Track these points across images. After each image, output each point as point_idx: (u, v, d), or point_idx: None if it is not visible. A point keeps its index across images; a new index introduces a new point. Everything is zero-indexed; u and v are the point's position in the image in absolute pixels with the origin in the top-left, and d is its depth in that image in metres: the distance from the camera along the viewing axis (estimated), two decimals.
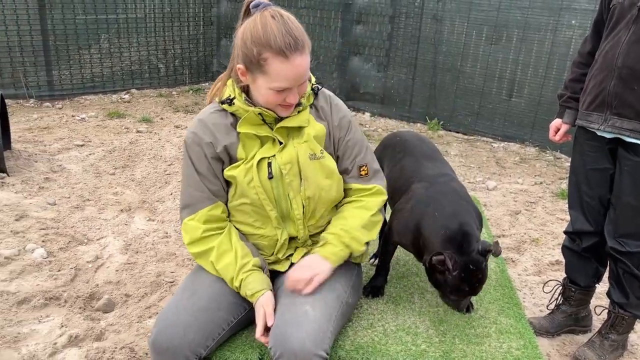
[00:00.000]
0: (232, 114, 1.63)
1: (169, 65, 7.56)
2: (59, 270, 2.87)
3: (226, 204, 1.68)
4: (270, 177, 1.60)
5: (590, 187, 2.23)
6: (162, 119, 6.00)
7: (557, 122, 2.37)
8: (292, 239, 1.71)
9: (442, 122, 6.07)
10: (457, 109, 6.00)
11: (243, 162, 1.61)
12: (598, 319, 2.49)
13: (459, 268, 1.59)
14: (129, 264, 2.99)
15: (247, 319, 1.63)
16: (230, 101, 1.61)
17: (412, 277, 2.00)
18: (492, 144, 5.67)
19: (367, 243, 1.68)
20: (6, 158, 4.23)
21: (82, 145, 4.89)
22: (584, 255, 2.32)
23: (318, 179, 1.63)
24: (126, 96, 6.90)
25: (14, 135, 4.89)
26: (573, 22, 5.12)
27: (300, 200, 1.63)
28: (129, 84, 7.16)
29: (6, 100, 6.15)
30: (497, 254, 1.64)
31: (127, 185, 4.08)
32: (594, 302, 2.53)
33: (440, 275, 1.63)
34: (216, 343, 1.55)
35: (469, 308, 1.78)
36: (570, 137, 2.38)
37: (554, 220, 3.81)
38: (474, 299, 1.83)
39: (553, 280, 2.59)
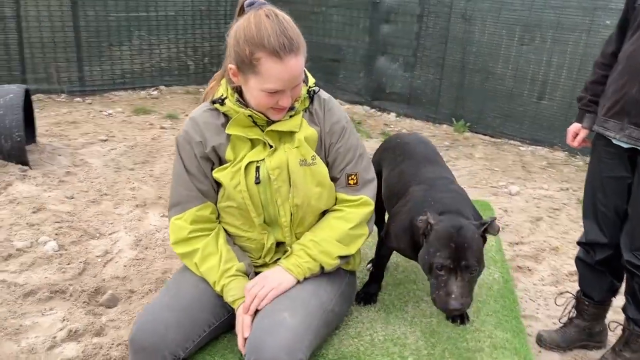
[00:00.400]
0: (225, 114, 1.59)
1: (199, 63, 7.62)
2: (68, 264, 2.90)
3: (216, 205, 1.65)
4: (257, 182, 1.55)
5: (605, 196, 2.11)
6: (187, 115, 6.02)
7: (575, 126, 2.25)
8: (280, 243, 1.66)
9: (469, 123, 5.92)
10: (485, 110, 5.84)
11: (231, 165, 1.57)
12: (614, 335, 2.36)
13: (440, 228, 1.51)
14: (137, 259, 3.00)
15: (229, 321, 1.59)
16: (222, 101, 1.57)
17: (409, 284, 1.93)
18: (520, 147, 5.50)
19: (344, 257, 1.61)
20: (31, 151, 4.32)
21: (105, 140, 4.96)
22: (598, 268, 2.20)
23: (308, 186, 1.57)
24: (154, 92, 6.99)
25: (41, 129, 5.00)
26: (608, 22, 4.90)
27: (288, 207, 1.58)
28: (157, 81, 7.24)
29: (39, 95, 6.34)
30: (493, 230, 1.54)
31: (145, 181, 4.11)
32: (612, 316, 2.40)
33: (424, 239, 1.55)
34: (196, 345, 1.51)
35: (463, 319, 1.69)
36: (589, 142, 2.25)
37: (577, 228, 3.64)
38: (470, 310, 1.75)
39: (566, 292, 2.47)
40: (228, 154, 1.57)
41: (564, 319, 2.41)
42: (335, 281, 1.64)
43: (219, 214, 1.66)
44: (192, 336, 1.49)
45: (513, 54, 5.55)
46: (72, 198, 3.71)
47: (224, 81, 1.60)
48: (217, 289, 1.55)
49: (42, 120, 5.44)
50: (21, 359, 2.16)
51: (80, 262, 2.92)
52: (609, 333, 2.39)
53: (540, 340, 2.39)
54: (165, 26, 7.12)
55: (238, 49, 1.44)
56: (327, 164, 1.64)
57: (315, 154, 1.59)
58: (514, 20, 5.47)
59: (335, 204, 1.66)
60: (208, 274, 1.56)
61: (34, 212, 3.44)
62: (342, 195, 1.64)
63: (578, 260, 2.30)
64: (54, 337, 2.30)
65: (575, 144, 2.27)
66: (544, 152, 5.33)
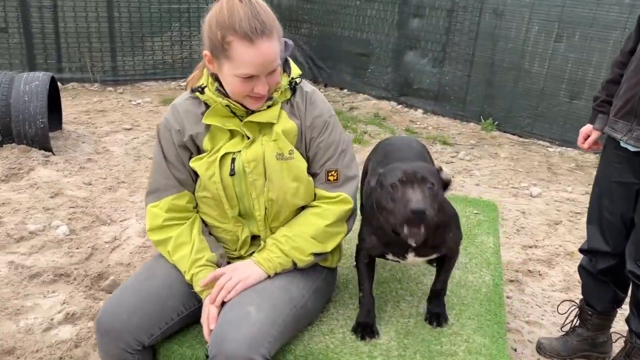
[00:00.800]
0: (206, 103, 1.58)
1: None
2: (77, 248, 2.97)
3: (194, 194, 1.64)
4: (232, 174, 1.54)
5: (612, 202, 2.00)
6: None
7: (587, 127, 2.15)
8: (256, 236, 1.64)
9: (496, 122, 5.76)
10: (514, 109, 5.67)
11: (207, 155, 1.56)
12: (618, 346, 2.25)
13: (389, 167, 1.47)
14: (143, 247, 3.04)
15: (199, 311, 1.58)
16: (201, 89, 1.56)
17: (393, 283, 1.88)
18: (548, 148, 5.32)
19: (320, 254, 1.58)
20: (56, 138, 4.45)
21: (129, 129, 5.06)
22: (600, 278, 2.10)
23: (284, 181, 1.54)
24: (184, 84, 7.07)
25: (69, 117, 5.15)
26: None
27: (263, 201, 1.56)
28: (188, 72, 7.27)
29: (73, 84, 6.53)
30: (446, 180, 1.50)
31: None
32: (619, 326, 2.29)
33: (377, 190, 1.49)
34: (162, 333, 1.51)
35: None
36: (601, 145, 2.15)
37: None
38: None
39: (568, 300, 2.37)
40: (206, 144, 1.56)
41: (567, 328, 2.32)
42: (310, 277, 1.61)
43: (197, 204, 1.65)
44: (158, 323, 1.49)
45: (544, 51, 5.36)
46: (90, 184, 3.80)
47: (206, 70, 1.59)
48: (187, 277, 1.54)
49: (73, 108, 5.59)
50: (17, 338, 2.22)
51: (89, 247, 2.98)
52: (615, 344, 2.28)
53: (540, 348, 2.30)
54: (196, 18, 7.19)
55: (210, 34, 1.43)
56: (308, 159, 1.61)
57: (293, 148, 1.56)
58: (546, 16, 5.28)
59: (314, 200, 1.63)
60: (179, 263, 1.56)
61: (51, 197, 3.54)
62: (320, 192, 1.61)
63: (581, 268, 2.20)
64: (52, 319, 2.36)
65: (586, 146, 2.16)
66: (574, 153, 5.14)
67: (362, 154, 4.92)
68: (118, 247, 3.03)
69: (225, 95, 1.52)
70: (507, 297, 2.72)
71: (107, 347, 1.48)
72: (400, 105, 6.59)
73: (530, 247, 3.28)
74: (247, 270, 1.51)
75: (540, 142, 5.46)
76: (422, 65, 6.35)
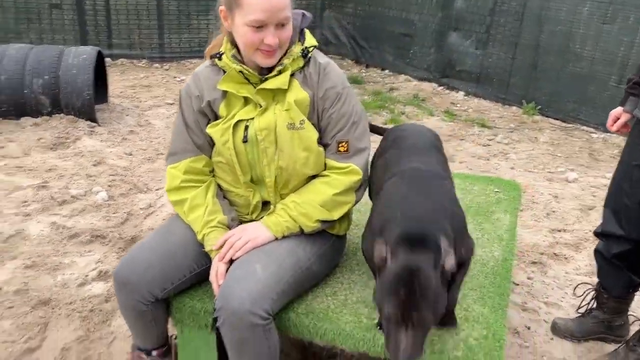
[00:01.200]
0: (224, 71, 1.65)
1: None
2: (114, 213, 3.14)
3: (211, 159, 1.72)
4: (245, 141, 1.60)
5: (631, 186, 1.97)
6: None
7: (617, 110, 2.10)
8: (267, 202, 1.71)
9: (539, 106, 5.62)
10: (558, 93, 5.51)
11: (222, 121, 1.63)
12: (635, 328, 2.22)
13: (392, 269, 1.27)
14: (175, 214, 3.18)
15: (210, 270, 1.67)
16: (219, 56, 1.63)
17: None
18: (592, 134, 5.16)
19: (326, 222, 1.63)
20: (102, 110, 4.67)
21: (171, 104, 5.23)
22: (615, 262, 2.07)
23: (294, 150, 1.59)
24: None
25: (116, 91, 5.36)
26: None
27: (273, 169, 1.61)
28: None
29: (122, 60, 6.77)
30: (447, 265, 1.28)
31: None
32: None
33: (378, 274, 1.34)
34: (175, 288, 1.61)
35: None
36: (630, 128, 2.10)
37: None
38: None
39: (584, 283, 2.34)
40: (221, 110, 1.63)
41: (583, 309, 2.30)
42: (317, 242, 1.66)
43: (213, 168, 1.74)
44: (171, 278, 1.59)
45: (593, 34, 5.17)
46: (130, 155, 3.98)
47: (225, 38, 1.66)
48: (199, 237, 1.63)
49: (120, 83, 5.82)
50: (54, 291, 2.39)
51: (125, 212, 3.15)
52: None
53: (555, 328, 2.30)
54: None
55: None
56: (320, 130, 1.66)
57: (305, 118, 1.61)
58: None
59: (325, 170, 1.68)
60: (193, 223, 1.66)
61: (94, 165, 3.73)
62: (331, 162, 1.65)
63: (596, 251, 2.18)
64: (86, 276, 2.52)
65: (614, 128, 2.12)
66: (618, 140, 4.96)
67: None
68: (152, 214, 3.18)
69: (241, 62, 1.59)
70: (528, 278, 2.71)
71: (124, 299, 1.59)
72: (442, 87, 6.51)
73: (559, 230, 3.24)
74: (256, 231, 1.59)
75: (584, 127, 5.30)
76: (466, 46, 6.25)
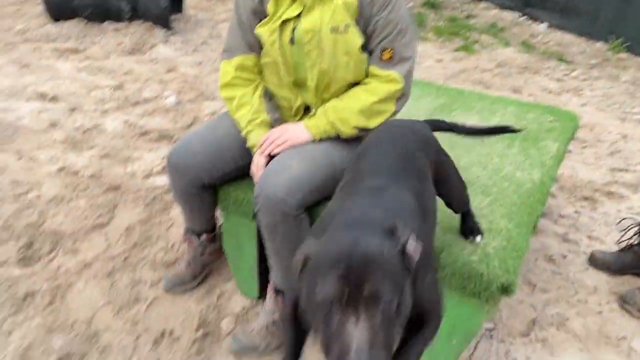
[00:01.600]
0: None
1: None
2: (181, 116, 3.35)
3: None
4: (292, 42, 1.67)
5: None
6: None
7: None
8: (308, 108, 1.80)
9: (628, 43, 5.25)
10: None
11: (270, 21, 1.69)
12: None
13: (321, 250, 0.91)
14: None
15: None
16: None
17: None
18: None
19: (363, 130, 1.67)
20: (177, 20, 4.83)
21: None
22: None
23: (336, 54, 1.63)
24: None
25: (191, 2, 5.49)
26: None
27: (315, 72, 1.67)
28: None
29: None
30: (410, 251, 0.92)
31: None
32: None
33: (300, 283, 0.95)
34: (220, 177, 1.77)
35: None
36: None
37: None
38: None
39: (628, 218, 2.31)
40: (270, 6, 1.67)
41: (623, 244, 2.29)
42: (353, 147, 1.73)
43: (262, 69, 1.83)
44: (217, 166, 1.74)
45: None
46: (200, 64, 4.15)
47: None
48: (243, 134, 1.76)
49: None
50: (123, 180, 2.65)
51: (191, 116, 3.35)
52: None
53: (592, 260, 2.31)
54: None
55: None
56: (367, 36, 1.69)
57: (350, 22, 1.63)
58: None
59: (366, 78, 1.73)
60: (239, 120, 1.78)
61: (166, 72, 3.94)
62: (373, 69, 1.68)
63: None
64: (152, 169, 2.76)
65: None
66: None
67: (464, 63, 4.79)
68: None
69: None
70: (575, 212, 2.69)
71: (176, 181, 1.78)
72: (524, 17, 6.18)
73: (620, 170, 3.14)
74: (295, 131, 1.70)
75: None
76: None
